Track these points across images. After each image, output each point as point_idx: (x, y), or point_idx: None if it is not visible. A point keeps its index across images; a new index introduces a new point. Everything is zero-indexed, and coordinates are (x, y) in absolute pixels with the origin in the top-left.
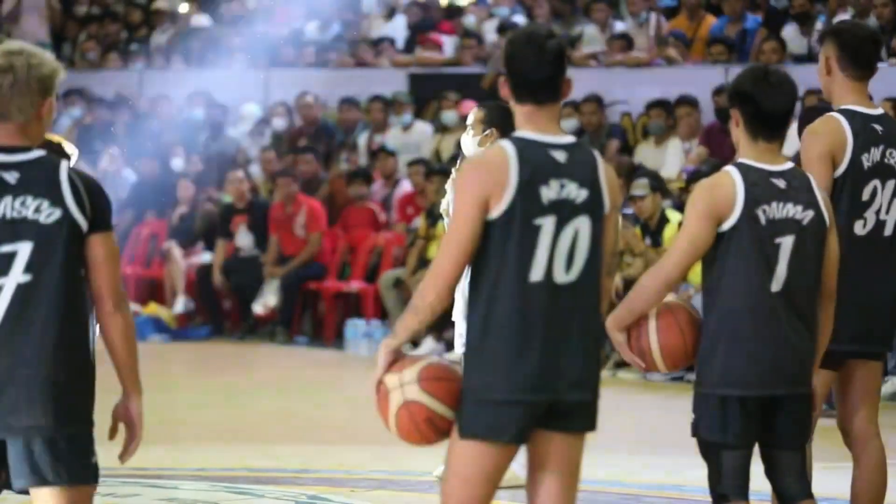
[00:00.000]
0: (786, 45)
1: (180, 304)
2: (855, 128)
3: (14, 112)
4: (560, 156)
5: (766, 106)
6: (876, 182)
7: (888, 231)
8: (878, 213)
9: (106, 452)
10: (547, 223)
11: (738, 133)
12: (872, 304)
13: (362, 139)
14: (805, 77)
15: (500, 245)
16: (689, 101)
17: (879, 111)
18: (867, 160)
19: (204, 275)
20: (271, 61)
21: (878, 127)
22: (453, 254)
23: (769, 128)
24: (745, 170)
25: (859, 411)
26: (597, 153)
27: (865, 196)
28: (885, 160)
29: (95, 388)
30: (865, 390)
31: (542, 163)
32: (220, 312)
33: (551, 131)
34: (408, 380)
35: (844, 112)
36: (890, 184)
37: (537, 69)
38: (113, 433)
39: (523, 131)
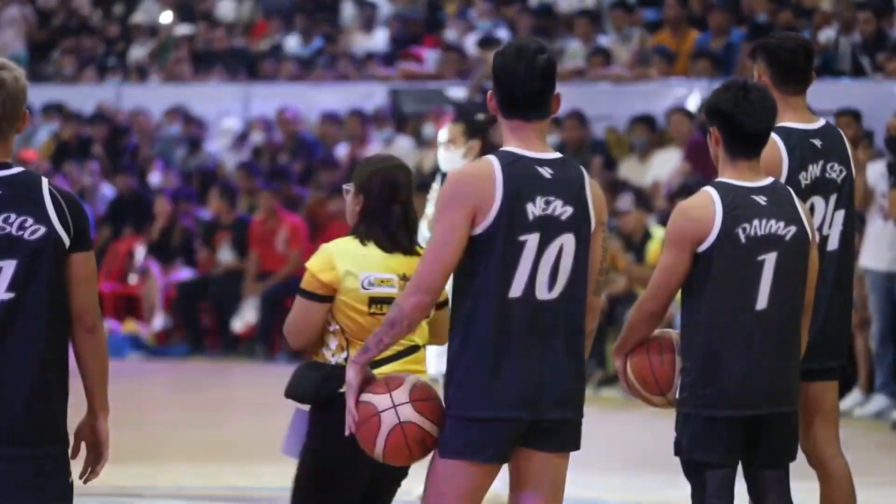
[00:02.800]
0: None
1: (158, 321)
2: (790, 146)
3: (6, 129)
4: (546, 172)
5: (747, 125)
6: (816, 199)
7: (832, 245)
8: (820, 229)
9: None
10: (531, 239)
11: (717, 150)
12: (822, 321)
13: (343, 154)
14: None
15: (482, 261)
16: (682, 111)
17: (820, 123)
18: (805, 178)
19: (183, 291)
20: (251, 75)
21: (816, 142)
22: (435, 267)
23: (750, 146)
24: (724, 189)
25: (819, 433)
26: (583, 169)
27: None
28: (826, 174)
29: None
30: (823, 412)
31: (529, 178)
32: (198, 329)
33: (538, 147)
34: (399, 400)
35: (780, 130)
36: (832, 198)
37: (526, 84)
38: (76, 452)
39: (510, 146)
